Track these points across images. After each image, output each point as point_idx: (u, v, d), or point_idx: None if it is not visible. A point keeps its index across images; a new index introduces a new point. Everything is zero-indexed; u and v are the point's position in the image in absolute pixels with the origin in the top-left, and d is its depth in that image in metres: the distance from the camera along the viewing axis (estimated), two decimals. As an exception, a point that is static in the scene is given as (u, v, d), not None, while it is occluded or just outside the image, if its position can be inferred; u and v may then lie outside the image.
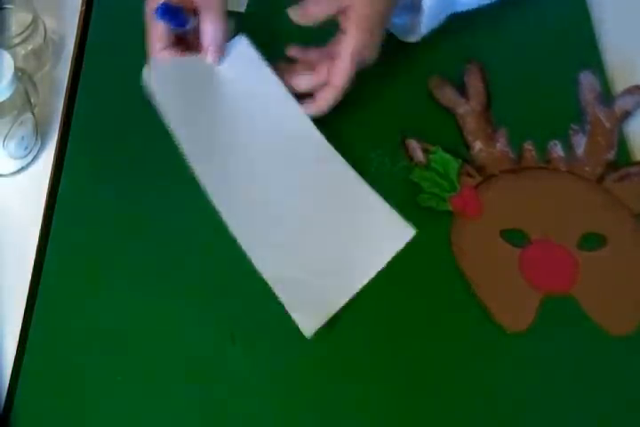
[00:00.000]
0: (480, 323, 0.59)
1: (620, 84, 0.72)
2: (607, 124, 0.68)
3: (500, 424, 0.55)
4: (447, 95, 0.70)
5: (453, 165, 0.65)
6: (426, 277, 0.61)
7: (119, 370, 0.55)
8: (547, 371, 0.57)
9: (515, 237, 0.62)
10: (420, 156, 0.66)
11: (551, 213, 0.64)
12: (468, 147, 0.67)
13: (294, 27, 0.76)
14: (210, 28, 0.61)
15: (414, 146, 0.67)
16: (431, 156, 0.66)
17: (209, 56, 0.63)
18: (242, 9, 0.75)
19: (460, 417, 0.55)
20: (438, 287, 0.61)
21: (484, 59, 0.72)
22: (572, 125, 0.68)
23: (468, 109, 0.69)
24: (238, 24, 0.68)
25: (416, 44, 0.71)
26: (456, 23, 0.70)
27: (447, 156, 0.66)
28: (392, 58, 0.69)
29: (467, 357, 0.58)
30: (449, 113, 0.69)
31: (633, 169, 0.66)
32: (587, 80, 0.71)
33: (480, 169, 0.66)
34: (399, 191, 0.64)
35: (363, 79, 0.63)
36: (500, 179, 0.65)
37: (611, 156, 0.67)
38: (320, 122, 0.63)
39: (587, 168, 0.66)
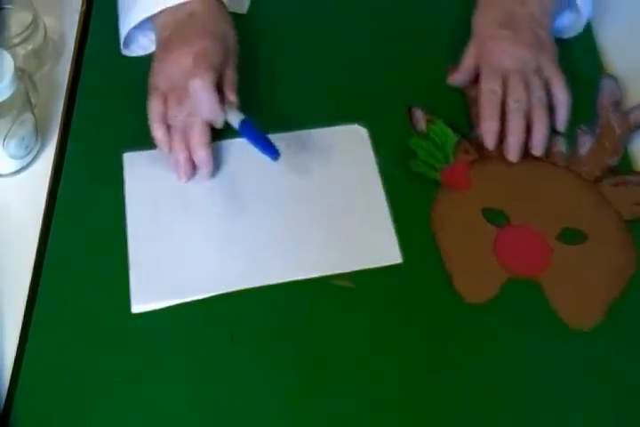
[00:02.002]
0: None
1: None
2: (618, 131, 0.68)
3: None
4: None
5: (452, 138, 0.67)
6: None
7: (118, 371, 0.55)
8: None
9: (495, 217, 0.63)
10: (422, 125, 0.68)
11: (538, 202, 0.64)
12: (471, 127, 0.68)
13: (296, 28, 0.76)
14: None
15: (419, 115, 0.68)
16: (432, 126, 0.67)
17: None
18: (244, 10, 0.75)
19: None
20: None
21: None
22: (582, 126, 0.68)
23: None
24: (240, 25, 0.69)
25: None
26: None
27: (447, 129, 0.67)
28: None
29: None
30: (462, 94, 0.70)
31: (632, 178, 0.66)
32: (608, 86, 0.71)
33: (479, 149, 0.67)
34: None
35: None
36: (496, 161, 0.66)
37: (613, 161, 0.67)
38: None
39: (585, 168, 0.66)
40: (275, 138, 0.63)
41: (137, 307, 0.58)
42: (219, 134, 0.66)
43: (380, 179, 0.65)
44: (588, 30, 0.76)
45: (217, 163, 0.65)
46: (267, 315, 0.58)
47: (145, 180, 0.64)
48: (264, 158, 0.62)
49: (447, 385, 0.56)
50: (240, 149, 0.66)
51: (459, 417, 0.55)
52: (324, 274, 0.60)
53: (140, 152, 0.66)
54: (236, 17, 0.70)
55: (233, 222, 0.62)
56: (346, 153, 0.67)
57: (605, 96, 0.70)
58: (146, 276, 0.59)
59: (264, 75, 0.71)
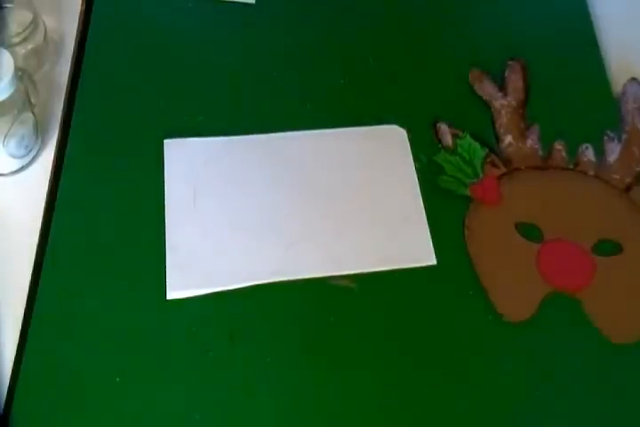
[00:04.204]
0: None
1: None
2: None
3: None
4: (485, 88, 0.70)
5: (479, 152, 0.66)
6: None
7: (118, 371, 0.55)
8: (539, 363, 0.57)
9: (529, 232, 0.63)
10: (448, 140, 0.67)
11: (570, 213, 0.64)
12: (498, 139, 0.68)
13: (304, 19, 0.76)
14: None
15: (444, 130, 0.67)
16: (459, 141, 0.67)
17: None
18: (252, 0, 0.75)
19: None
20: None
21: (527, 55, 0.72)
22: (608, 132, 0.68)
23: (503, 104, 0.69)
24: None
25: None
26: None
27: (475, 143, 0.66)
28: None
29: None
30: (486, 105, 0.70)
31: None
32: (632, 89, 0.70)
33: (506, 162, 0.66)
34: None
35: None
36: (525, 173, 0.66)
37: None
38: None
39: (616, 176, 0.66)
40: (312, 134, 0.65)
41: (172, 293, 0.58)
42: (256, 128, 0.67)
43: (416, 178, 0.65)
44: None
45: (258, 155, 0.66)
46: (268, 314, 0.58)
47: (184, 166, 0.65)
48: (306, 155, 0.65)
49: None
50: (281, 144, 0.67)
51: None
52: (359, 271, 0.60)
53: (181, 139, 0.66)
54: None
55: (271, 214, 0.63)
56: (385, 152, 0.67)
57: (630, 100, 0.69)
58: (182, 262, 0.60)
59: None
